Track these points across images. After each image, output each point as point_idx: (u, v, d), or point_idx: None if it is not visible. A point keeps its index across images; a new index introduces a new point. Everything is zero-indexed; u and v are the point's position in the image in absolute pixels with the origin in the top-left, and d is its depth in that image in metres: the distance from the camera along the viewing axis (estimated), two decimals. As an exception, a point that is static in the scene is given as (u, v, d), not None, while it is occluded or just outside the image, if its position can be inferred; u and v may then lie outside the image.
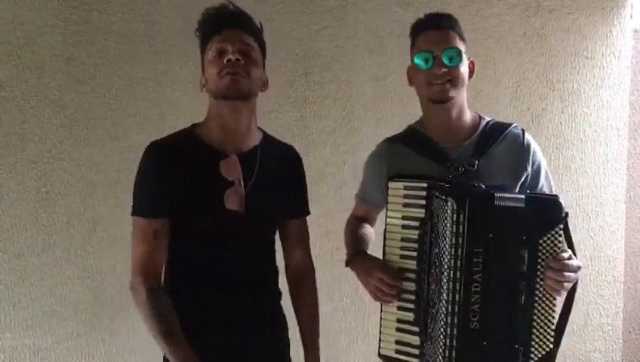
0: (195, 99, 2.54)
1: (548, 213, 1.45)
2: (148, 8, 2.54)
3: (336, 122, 2.74)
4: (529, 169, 1.64)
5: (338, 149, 2.74)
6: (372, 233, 1.85)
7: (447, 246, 1.44)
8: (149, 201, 1.51)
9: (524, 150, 1.64)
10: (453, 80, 1.57)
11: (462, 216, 1.42)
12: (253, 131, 1.61)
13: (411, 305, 1.56)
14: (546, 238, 1.44)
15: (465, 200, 1.42)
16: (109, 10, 2.50)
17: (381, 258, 1.64)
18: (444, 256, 1.45)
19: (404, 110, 2.66)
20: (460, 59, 1.58)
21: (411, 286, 1.56)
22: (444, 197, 1.46)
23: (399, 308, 1.59)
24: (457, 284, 1.43)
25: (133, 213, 1.52)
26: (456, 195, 1.43)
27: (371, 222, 1.88)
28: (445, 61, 1.56)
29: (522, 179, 1.62)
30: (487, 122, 1.68)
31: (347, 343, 2.79)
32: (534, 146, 1.67)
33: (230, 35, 1.50)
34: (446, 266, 1.44)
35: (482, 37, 2.79)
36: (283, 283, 1.74)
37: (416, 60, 1.60)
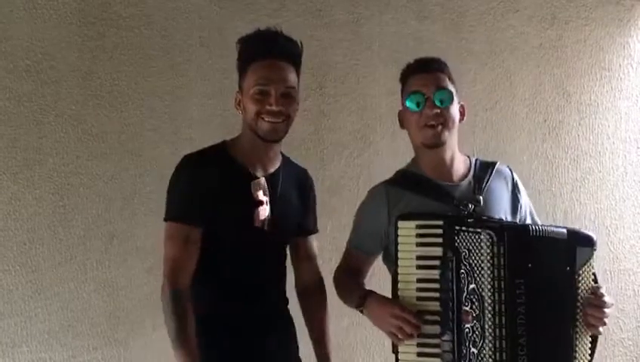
0: (211, 113, 2.57)
1: (584, 246, 1.49)
2: (164, 23, 2.55)
3: (351, 135, 2.74)
4: (522, 203, 1.68)
5: (353, 162, 2.73)
6: None
7: (487, 280, 1.42)
8: (183, 207, 1.59)
9: (515, 186, 1.70)
10: (445, 122, 1.57)
11: (501, 247, 1.41)
12: (278, 155, 1.73)
13: (437, 350, 1.46)
14: (582, 271, 1.48)
15: (503, 232, 1.43)
16: (125, 26, 2.52)
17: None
18: (483, 290, 1.42)
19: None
20: (451, 101, 1.58)
21: (434, 329, 1.47)
22: (479, 230, 1.44)
23: (420, 354, 1.48)
24: (503, 318, 1.40)
25: (166, 218, 1.59)
26: (491, 227, 1.44)
27: (364, 275, 1.75)
28: (437, 102, 1.56)
29: (519, 214, 1.66)
30: (476, 160, 1.71)
31: (364, 358, 2.76)
32: (521, 183, 1.72)
33: (274, 71, 1.55)
34: (489, 301, 1.42)
35: (498, 49, 2.78)
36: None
37: (408, 103, 1.60)
